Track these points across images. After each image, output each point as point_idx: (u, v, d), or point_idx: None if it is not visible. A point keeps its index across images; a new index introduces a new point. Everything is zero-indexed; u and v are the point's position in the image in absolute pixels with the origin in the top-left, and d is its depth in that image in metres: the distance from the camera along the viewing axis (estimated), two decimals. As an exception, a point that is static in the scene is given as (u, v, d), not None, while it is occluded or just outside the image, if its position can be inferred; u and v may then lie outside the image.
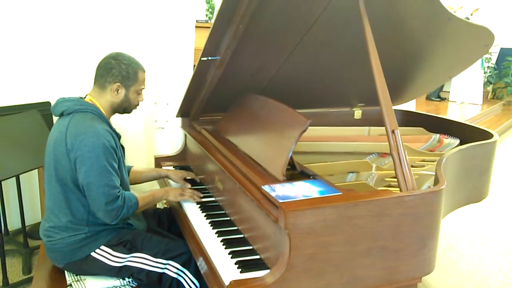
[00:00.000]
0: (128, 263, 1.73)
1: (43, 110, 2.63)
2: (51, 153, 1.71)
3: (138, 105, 1.89)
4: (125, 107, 1.85)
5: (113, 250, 1.73)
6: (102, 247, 1.73)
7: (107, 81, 1.77)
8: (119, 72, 1.76)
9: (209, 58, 1.92)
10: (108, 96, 1.79)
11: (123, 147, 1.88)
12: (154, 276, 1.74)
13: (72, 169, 1.65)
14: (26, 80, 2.76)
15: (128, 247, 1.75)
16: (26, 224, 2.71)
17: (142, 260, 1.74)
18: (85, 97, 1.81)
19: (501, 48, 8.55)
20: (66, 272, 1.78)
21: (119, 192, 1.67)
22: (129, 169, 2.08)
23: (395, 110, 1.64)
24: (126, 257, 1.73)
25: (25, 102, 2.69)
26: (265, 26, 1.81)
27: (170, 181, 2.19)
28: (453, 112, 7.14)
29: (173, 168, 2.41)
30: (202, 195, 1.97)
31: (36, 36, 2.75)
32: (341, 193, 1.40)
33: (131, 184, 2.01)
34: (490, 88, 8.76)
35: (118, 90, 1.78)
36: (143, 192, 1.87)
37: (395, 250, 1.43)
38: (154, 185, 2.70)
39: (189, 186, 2.06)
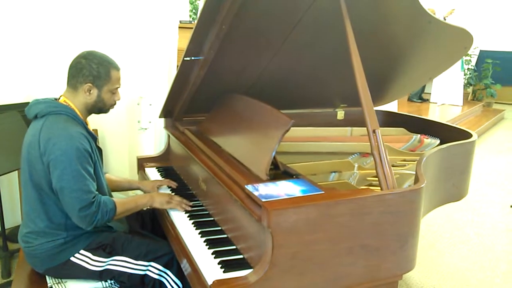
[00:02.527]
0: (109, 266, 1.71)
1: (23, 111, 2.57)
2: (25, 157, 1.67)
3: (114, 104, 1.84)
4: (99, 107, 1.79)
5: (93, 254, 1.70)
6: (82, 251, 1.70)
7: (78, 82, 1.71)
8: (89, 72, 1.70)
9: (192, 58, 1.92)
10: (81, 97, 1.73)
11: (100, 150, 1.83)
12: (136, 278, 1.73)
13: (47, 173, 1.60)
14: (6, 81, 2.72)
15: (108, 251, 1.72)
16: (6, 227, 2.66)
17: (123, 264, 1.72)
18: (59, 98, 1.75)
19: (481, 51, 8.75)
20: (46, 275, 1.75)
21: (93, 197, 1.62)
22: None
23: (376, 111, 1.66)
24: (107, 261, 1.71)
25: (5, 103, 2.64)
26: (248, 26, 1.82)
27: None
28: (434, 113, 7.25)
29: (156, 169, 2.40)
30: (191, 203, 1.89)
31: (16, 37, 2.71)
32: (323, 192, 1.41)
33: None
34: (470, 89, 8.94)
35: (90, 90, 1.72)
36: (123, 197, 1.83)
37: (376, 248, 1.45)
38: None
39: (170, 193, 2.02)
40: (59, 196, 1.61)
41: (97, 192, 1.66)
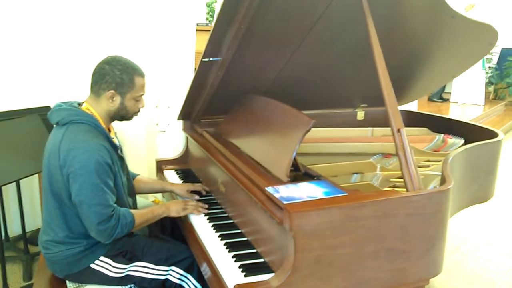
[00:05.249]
0: (130, 272, 1.69)
1: (44, 114, 2.59)
2: (46, 166, 1.64)
3: (138, 112, 1.78)
4: (122, 115, 1.74)
5: (113, 260, 1.68)
6: (102, 258, 1.67)
7: (101, 88, 1.66)
8: (112, 78, 1.64)
9: (211, 59, 1.90)
10: (103, 103, 1.68)
11: (123, 158, 1.80)
12: (158, 283, 1.71)
13: (66, 185, 1.57)
14: (27, 85, 2.75)
15: (128, 257, 1.70)
16: (27, 230, 2.69)
17: (143, 269, 1.70)
18: (82, 104, 1.72)
19: (502, 49, 8.53)
20: (66, 280, 1.74)
21: (112, 211, 1.58)
22: (134, 177, 2.03)
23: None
24: (127, 267, 1.69)
25: (26, 107, 2.67)
26: (267, 26, 1.79)
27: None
28: (455, 113, 7.12)
29: (175, 172, 2.39)
30: (206, 206, 1.86)
31: (37, 40, 2.74)
32: (346, 194, 1.37)
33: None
34: (491, 88, 8.74)
35: (113, 97, 1.67)
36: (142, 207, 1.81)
37: (402, 251, 1.40)
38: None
39: (197, 197, 1.98)
40: (78, 210, 1.58)
41: (116, 205, 1.62)
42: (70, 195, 1.58)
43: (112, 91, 1.66)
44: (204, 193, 2.04)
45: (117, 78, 1.65)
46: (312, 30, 1.87)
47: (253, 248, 1.55)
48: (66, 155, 1.55)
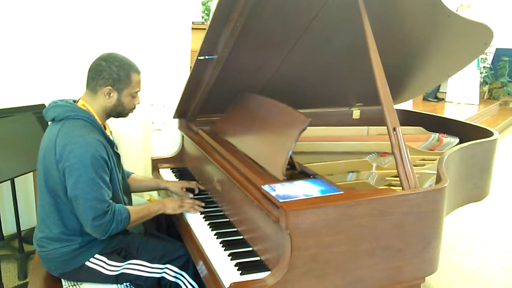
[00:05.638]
0: (125, 270, 1.69)
1: (38, 112, 2.58)
2: (41, 162, 1.64)
3: (134, 108, 1.79)
4: (118, 111, 1.74)
5: (108, 258, 1.67)
6: (97, 255, 1.67)
7: (98, 84, 1.66)
8: (109, 75, 1.65)
9: (206, 57, 1.90)
10: (100, 100, 1.68)
11: (118, 155, 1.80)
12: (153, 281, 1.70)
13: (62, 180, 1.57)
14: (21, 82, 2.73)
15: (123, 255, 1.70)
16: (22, 229, 2.67)
17: (138, 267, 1.70)
18: (78, 101, 1.71)
19: (497, 49, 8.58)
20: (62, 278, 1.73)
21: (108, 206, 1.58)
22: (128, 175, 2.03)
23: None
24: (122, 265, 1.69)
25: (20, 105, 2.65)
26: (263, 24, 1.78)
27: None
28: (450, 112, 7.15)
29: (171, 170, 2.38)
30: (203, 204, 1.86)
31: (31, 38, 2.72)
32: (342, 192, 1.37)
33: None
34: (486, 88, 8.78)
35: (110, 93, 1.67)
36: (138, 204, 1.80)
37: (398, 249, 1.40)
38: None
39: (191, 195, 1.98)
40: (73, 204, 1.58)
41: (111, 201, 1.62)
42: (66, 190, 1.57)
43: (109, 87, 1.67)
44: (197, 191, 2.04)
45: (114, 74, 1.66)
46: (308, 29, 1.87)
47: (249, 247, 1.54)
48: (62, 149, 1.55)
